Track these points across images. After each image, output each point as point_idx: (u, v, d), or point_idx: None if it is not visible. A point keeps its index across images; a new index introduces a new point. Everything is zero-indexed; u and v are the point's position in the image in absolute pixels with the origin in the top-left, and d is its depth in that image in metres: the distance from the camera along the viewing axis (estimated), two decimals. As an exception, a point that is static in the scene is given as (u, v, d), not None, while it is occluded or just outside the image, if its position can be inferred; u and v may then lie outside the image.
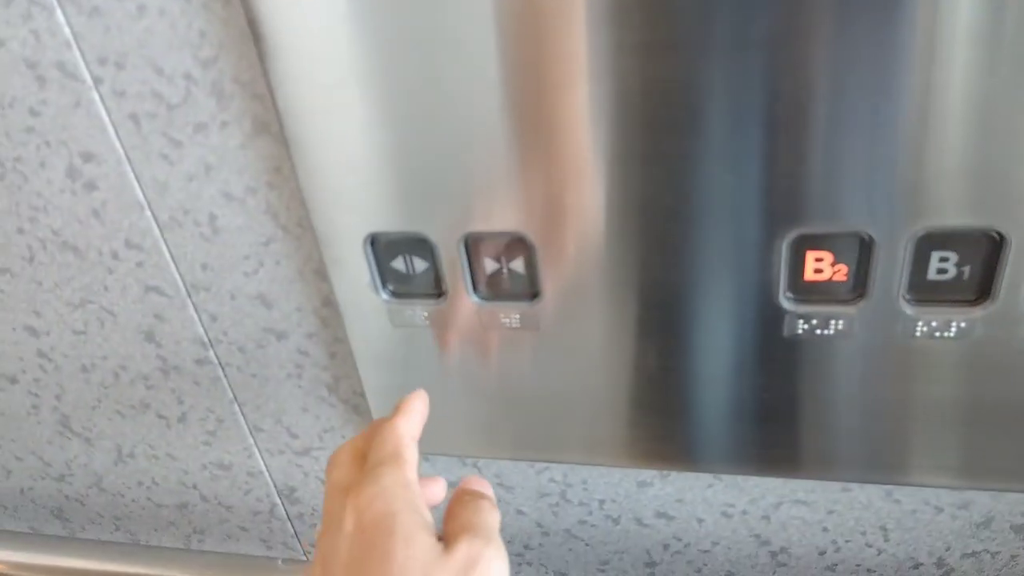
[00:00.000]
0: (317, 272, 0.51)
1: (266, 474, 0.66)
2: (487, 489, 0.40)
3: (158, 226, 0.51)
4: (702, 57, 0.35)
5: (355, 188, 0.44)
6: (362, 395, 0.56)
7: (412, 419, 0.39)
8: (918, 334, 0.41)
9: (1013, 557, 0.53)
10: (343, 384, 0.57)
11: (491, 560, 0.34)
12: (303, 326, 0.54)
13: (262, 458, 0.65)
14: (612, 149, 0.39)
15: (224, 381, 0.60)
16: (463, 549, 0.34)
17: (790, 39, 0.34)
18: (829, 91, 0.35)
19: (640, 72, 0.37)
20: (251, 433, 0.63)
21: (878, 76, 0.34)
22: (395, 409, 0.40)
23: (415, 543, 0.33)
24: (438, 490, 0.40)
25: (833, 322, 0.41)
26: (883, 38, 0.34)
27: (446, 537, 0.35)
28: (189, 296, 0.55)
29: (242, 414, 0.62)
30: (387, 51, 0.39)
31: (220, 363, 0.59)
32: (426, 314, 0.48)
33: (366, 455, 0.38)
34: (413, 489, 0.36)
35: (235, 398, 0.61)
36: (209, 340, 0.57)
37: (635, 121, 0.38)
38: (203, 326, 0.56)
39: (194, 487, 0.70)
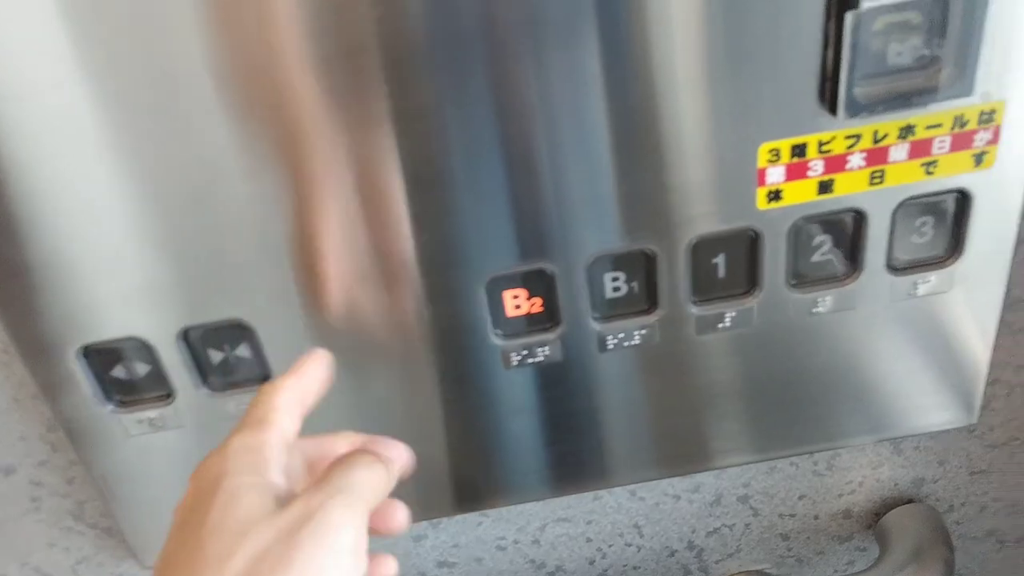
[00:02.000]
0: (35, 396, 0.48)
1: (21, 625, 0.60)
2: (391, 450, 0.35)
3: None
4: (375, 128, 0.39)
5: (54, 304, 0.42)
6: (111, 516, 0.54)
7: (299, 382, 0.35)
8: (610, 347, 0.46)
9: (747, 525, 0.60)
10: (88, 508, 0.54)
11: (330, 512, 0.29)
12: (31, 455, 0.51)
13: (13, 609, 0.59)
14: (300, 221, 0.41)
15: (-50, 534, 0.54)
16: (299, 505, 0.29)
17: (445, 110, 0.39)
18: (491, 149, 0.40)
19: (336, 149, 0.39)
20: (-6, 584, 0.58)
21: (529, 131, 0.39)
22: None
23: (237, 504, 0.30)
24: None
25: (540, 350, 0.46)
26: (522, 94, 0.39)
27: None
28: None
29: (-21, 566, 0.56)
30: (80, 150, 0.39)
31: (-58, 515, 0.53)
32: (157, 417, 0.47)
33: None
34: (262, 453, 0.32)
35: (-33, 550, 0.55)
36: (-77, 493, 0.52)
37: (325, 195, 0.41)
38: (-88, 479, 0.51)
39: (-62, 661, 0.62)
